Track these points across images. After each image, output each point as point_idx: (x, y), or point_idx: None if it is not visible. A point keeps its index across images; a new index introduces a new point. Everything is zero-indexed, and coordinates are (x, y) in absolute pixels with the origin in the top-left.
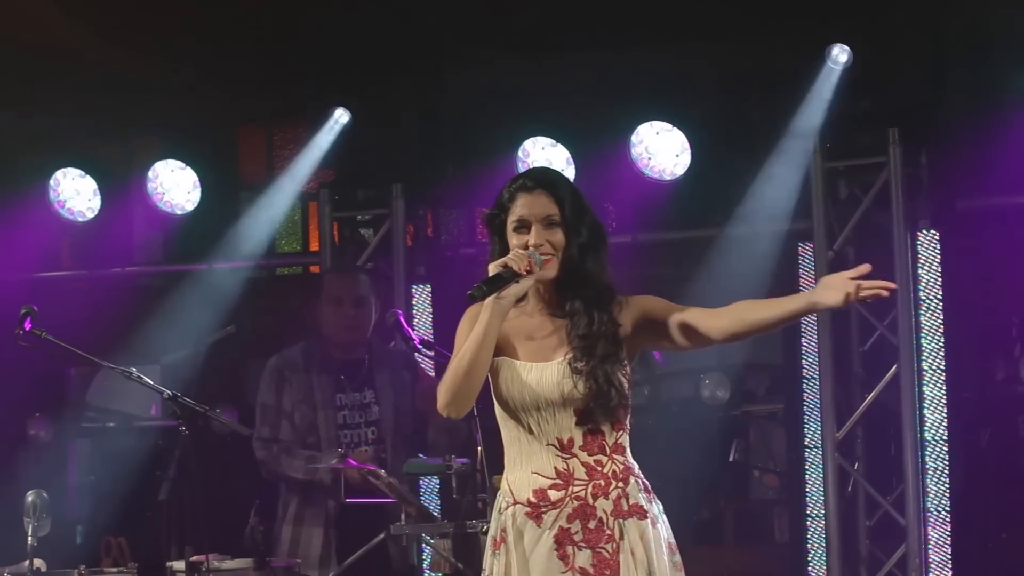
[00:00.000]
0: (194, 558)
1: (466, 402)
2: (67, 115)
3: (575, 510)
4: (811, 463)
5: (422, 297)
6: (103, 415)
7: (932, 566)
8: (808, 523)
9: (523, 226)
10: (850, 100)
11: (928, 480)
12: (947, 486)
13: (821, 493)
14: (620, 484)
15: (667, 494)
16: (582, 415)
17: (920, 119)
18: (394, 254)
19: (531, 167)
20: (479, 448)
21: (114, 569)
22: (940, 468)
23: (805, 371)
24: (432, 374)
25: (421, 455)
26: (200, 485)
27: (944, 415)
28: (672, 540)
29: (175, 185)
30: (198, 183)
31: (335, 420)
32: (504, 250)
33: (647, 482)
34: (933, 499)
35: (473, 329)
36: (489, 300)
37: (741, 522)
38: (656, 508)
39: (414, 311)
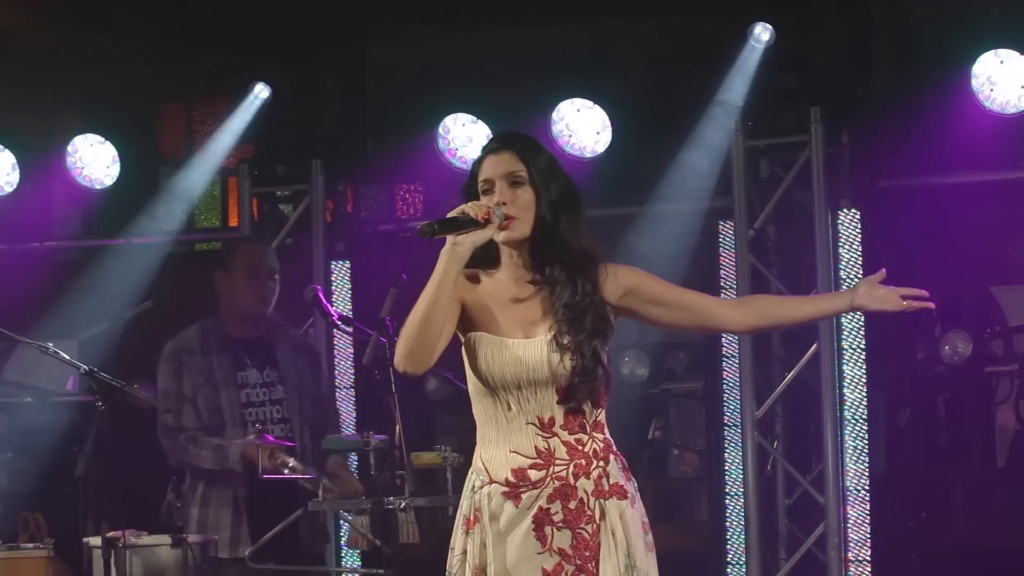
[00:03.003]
0: (111, 534)
1: (424, 355)
2: None
3: (556, 490)
4: (730, 441)
5: (341, 273)
6: (20, 390)
7: (851, 545)
8: (727, 501)
9: (490, 187)
10: (772, 78)
11: (847, 459)
12: (866, 465)
13: (740, 471)
14: (601, 463)
15: None
16: (565, 393)
17: (842, 98)
18: (313, 230)
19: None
20: (397, 426)
21: (30, 544)
22: (859, 447)
23: (725, 349)
24: (351, 350)
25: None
26: (117, 461)
27: (864, 394)
28: (646, 519)
29: (94, 160)
30: (117, 158)
31: (238, 399)
32: None
33: (624, 460)
34: (852, 478)
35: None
36: (446, 247)
37: (660, 500)
38: (633, 487)
39: (333, 287)
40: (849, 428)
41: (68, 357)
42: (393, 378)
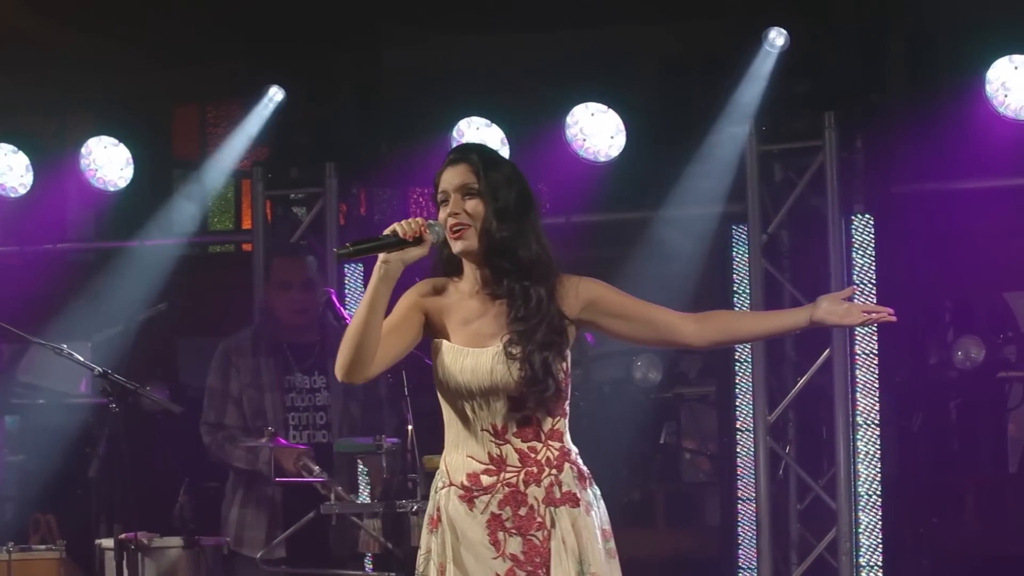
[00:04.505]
0: (123, 536)
1: (359, 367)
2: (1, 91)
3: (506, 496)
4: (742, 446)
5: (354, 276)
6: (33, 392)
7: (862, 550)
8: (739, 506)
9: (445, 198)
10: (786, 83)
11: (859, 464)
12: (878, 470)
13: (752, 476)
14: (553, 471)
15: (598, 476)
16: (515, 402)
17: (856, 103)
18: (327, 233)
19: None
20: (409, 428)
21: (42, 546)
22: (872, 452)
23: (737, 354)
24: None
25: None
26: (129, 463)
27: (876, 399)
28: (607, 527)
29: (108, 162)
30: (131, 160)
31: (283, 402)
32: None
33: (584, 468)
34: (864, 483)
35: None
36: (376, 264)
37: (672, 505)
38: (591, 495)
39: (346, 290)
40: (861, 433)
41: (82, 359)
42: (406, 381)
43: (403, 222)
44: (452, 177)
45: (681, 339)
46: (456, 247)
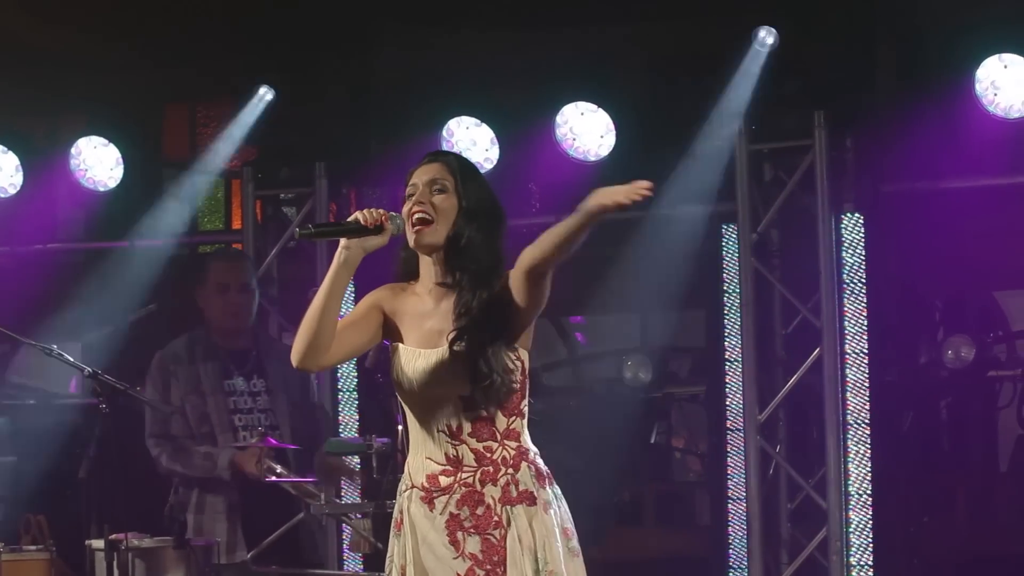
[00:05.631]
0: (113, 536)
1: (314, 353)
2: None
3: (464, 496)
4: (733, 446)
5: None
6: (23, 392)
7: (853, 549)
8: (729, 506)
9: (413, 191)
10: (776, 82)
11: (850, 463)
12: (869, 469)
13: (743, 476)
14: (510, 471)
15: (588, 476)
16: (468, 402)
17: (846, 103)
18: None
19: None
20: (400, 428)
21: (33, 547)
22: (862, 452)
23: (728, 353)
24: None
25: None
26: (120, 463)
27: (867, 399)
28: (569, 525)
29: (98, 162)
30: (121, 160)
31: (226, 405)
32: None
33: (543, 467)
34: (855, 482)
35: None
36: (337, 250)
37: (662, 504)
38: (550, 494)
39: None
40: (852, 432)
41: (72, 359)
42: None
43: (365, 210)
44: (424, 173)
45: (526, 270)
46: (415, 239)
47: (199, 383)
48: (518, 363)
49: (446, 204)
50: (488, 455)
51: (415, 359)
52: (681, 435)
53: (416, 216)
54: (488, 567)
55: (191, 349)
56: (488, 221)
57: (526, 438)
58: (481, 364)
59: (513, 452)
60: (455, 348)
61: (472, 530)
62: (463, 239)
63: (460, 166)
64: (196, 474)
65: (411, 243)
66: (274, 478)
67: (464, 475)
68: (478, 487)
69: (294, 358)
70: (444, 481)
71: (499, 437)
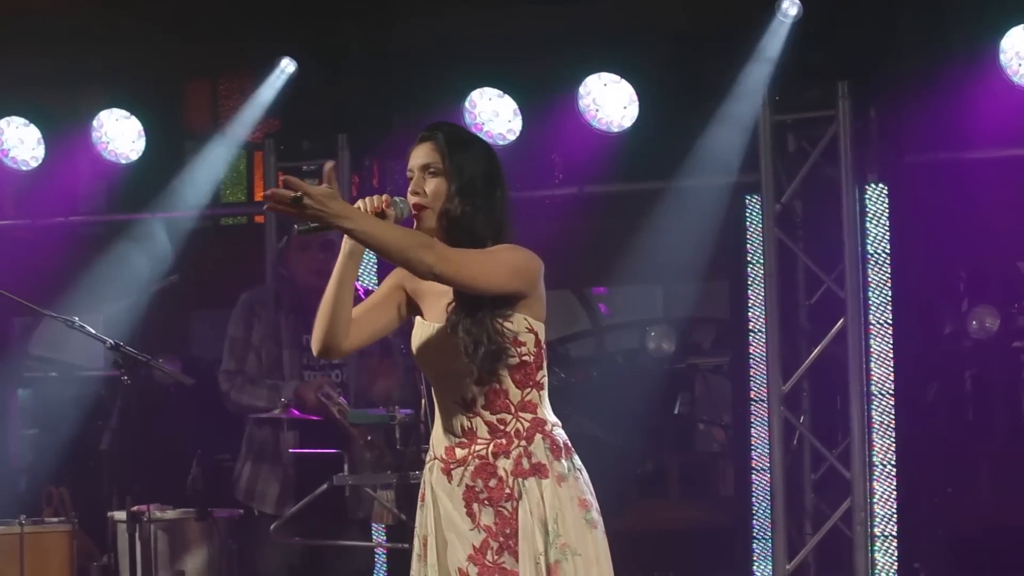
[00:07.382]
0: (135, 508)
1: (333, 342)
2: (13, 64)
3: (477, 468)
4: (756, 416)
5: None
6: (46, 364)
7: (877, 520)
8: (753, 476)
9: (411, 177)
10: (800, 53)
11: (874, 434)
12: (893, 440)
13: (766, 446)
14: (523, 443)
15: (611, 447)
16: (476, 374)
17: (869, 73)
18: None
19: None
20: (423, 399)
21: (55, 519)
22: (886, 422)
23: (751, 324)
24: None
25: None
26: (142, 435)
27: (891, 369)
28: (586, 496)
29: (120, 134)
30: (143, 132)
31: (300, 360)
32: None
33: (560, 439)
34: (879, 453)
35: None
36: (344, 239)
37: (686, 475)
38: (565, 466)
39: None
40: (876, 403)
41: (94, 331)
42: None
43: (367, 198)
44: (417, 156)
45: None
46: (416, 226)
47: (278, 332)
48: (510, 329)
49: (438, 188)
50: (501, 427)
51: (429, 332)
52: (705, 406)
53: (413, 204)
54: (501, 539)
55: (277, 296)
56: (481, 194)
57: (544, 410)
58: (462, 331)
59: (528, 424)
60: (455, 323)
61: (486, 502)
62: (453, 216)
63: (448, 142)
64: (260, 403)
65: (414, 228)
66: (333, 408)
67: (478, 447)
68: (491, 459)
69: (314, 348)
70: (460, 453)
71: (514, 409)
